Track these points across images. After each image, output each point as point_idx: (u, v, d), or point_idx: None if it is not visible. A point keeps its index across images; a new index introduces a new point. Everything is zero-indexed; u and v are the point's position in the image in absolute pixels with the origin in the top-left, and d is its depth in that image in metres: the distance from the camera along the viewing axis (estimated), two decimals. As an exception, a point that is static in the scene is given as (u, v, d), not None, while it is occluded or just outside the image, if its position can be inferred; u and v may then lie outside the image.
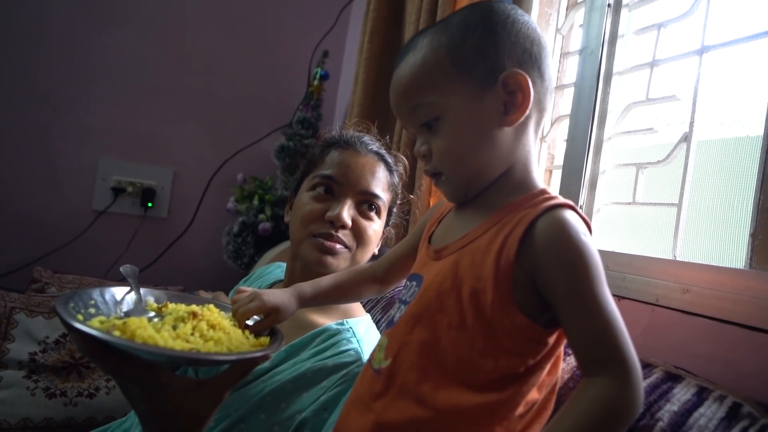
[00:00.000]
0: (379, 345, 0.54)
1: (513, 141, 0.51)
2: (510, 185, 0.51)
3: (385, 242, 0.89)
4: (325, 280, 0.65)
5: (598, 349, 0.40)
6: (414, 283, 0.54)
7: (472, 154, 0.50)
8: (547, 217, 0.45)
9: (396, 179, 0.82)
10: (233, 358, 0.48)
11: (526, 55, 0.50)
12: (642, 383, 0.39)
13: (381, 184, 0.77)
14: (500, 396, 0.45)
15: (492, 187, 0.52)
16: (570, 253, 0.43)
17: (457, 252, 0.50)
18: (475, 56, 0.49)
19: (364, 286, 0.66)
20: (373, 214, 0.77)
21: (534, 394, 0.47)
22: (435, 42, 0.51)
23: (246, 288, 0.60)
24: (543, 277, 0.44)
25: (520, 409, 0.46)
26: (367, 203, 0.76)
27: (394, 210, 0.84)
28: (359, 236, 0.75)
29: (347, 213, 0.73)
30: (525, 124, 0.51)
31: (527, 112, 0.49)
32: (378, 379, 0.50)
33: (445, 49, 0.50)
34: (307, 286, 0.62)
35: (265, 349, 0.51)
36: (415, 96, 0.51)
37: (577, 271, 0.42)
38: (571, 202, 0.48)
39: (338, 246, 0.74)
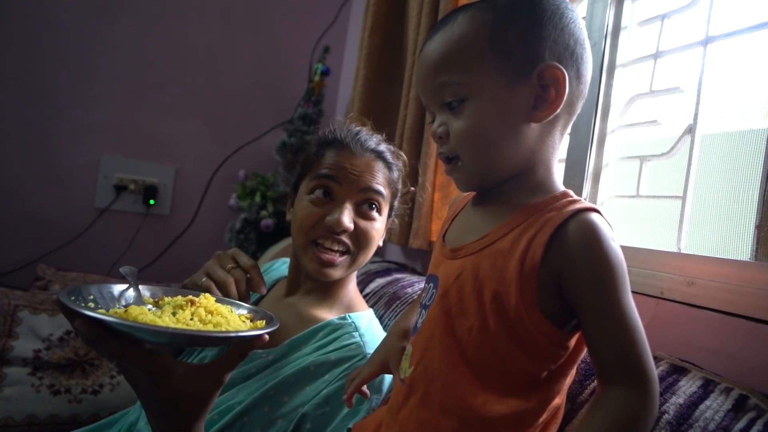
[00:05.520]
0: (405, 354, 0.53)
1: (537, 139, 0.48)
2: (530, 185, 0.49)
3: (389, 234, 0.89)
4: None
5: (619, 359, 0.41)
6: (431, 285, 0.52)
7: (493, 143, 0.48)
8: (577, 221, 0.44)
9: (395, 175, 0.80)
10: (233, 335, 0.49)
11: (568, 53, 0.47)
12: (657, 397, 0.40)
13: (380, 181, 0.76)
14: (527, 404, 0.44)
15: (510, 185, 0.50)
16: (600, 259, 0.42)
17: (476, 253, 0.48)
18: (516, 41, 0.46)
19: None
20: (374, 213, 0.75)
21: (557, 400, 0.46)
22: (478, 18, 0.47)
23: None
24: (570, 282, 0.43)
25: (544, 416, 0.45)
26: (367, 202, 0.74)
27: (395, 204, 0.83)
28: (361, 239, 0.74)
29: (347, 217, 0.71)
30: (553, 123, 0.49)
31: (558, 110, 0.47)
32: (402, 388, 0.50)
33: (488, 28, 0.47)
34: (404, 320, 0.62)
35: (263, 328, 0.53)
36: (444, 72, 0.48)
37: (605, 279, 0.42)
38: (595, 206, 0.46)
39: (338, 258, 0.73)
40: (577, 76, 0.48)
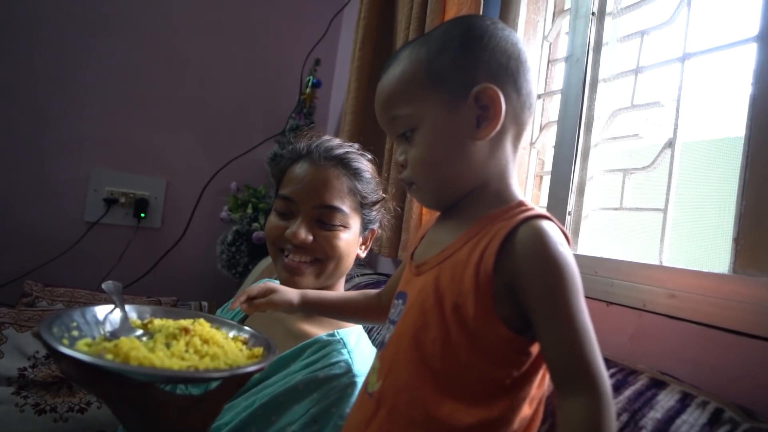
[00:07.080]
0: (372, 368, 0.54)
1: (487, 155, 0.51)
2: (486, 198, 0.52)
3: (377, 243, 0.89)
4: (332, 294, 0.70)
5: (569, 361, 0.41)
6: (400, 301, 0.54)
7: (444, 165, 0.51)
8: (526, 227, 0.46)
9: (362, 183, 0.79)
10: (232, 373, 0.47)
11: (502, 70, 0.50)
12: (611, 395, 0.40)
13: (339, 192, 0.76)
14: (491, 413, 0.45)
15: (468, 200, 0.53)
16: (547, 263, 0.44)
17: (437, 266, 0.50)
18: (449, 69, 0.50)
19: (368, 311, 0.68)
20: (335, 225, 0.76)
21: (526, 410, 0.47)
22: (414, 55, 0.52)
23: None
24: (521, 287, 0.44)
25: (515, 426, 0.46)
26: (325, 216, 0.75)
27: (371, 210, 0.81)
28: (324, 249, 0.75)
29: (302, 231, 0.74)
30: (500, 138, 0.51)
31: (498, 126, 0.49)
32: (371, 402, 0.50)
33: (422, 62, 0.51)
34: (312, 293, 0.68)
35: (261, 361, 0.51)
36: (392, 107, 0.53)
37: (553, 282, 0.43)
38: (547, 213, 0.48)
39: (303, 266, 0.75)
40: (516, 89, 0.51)
